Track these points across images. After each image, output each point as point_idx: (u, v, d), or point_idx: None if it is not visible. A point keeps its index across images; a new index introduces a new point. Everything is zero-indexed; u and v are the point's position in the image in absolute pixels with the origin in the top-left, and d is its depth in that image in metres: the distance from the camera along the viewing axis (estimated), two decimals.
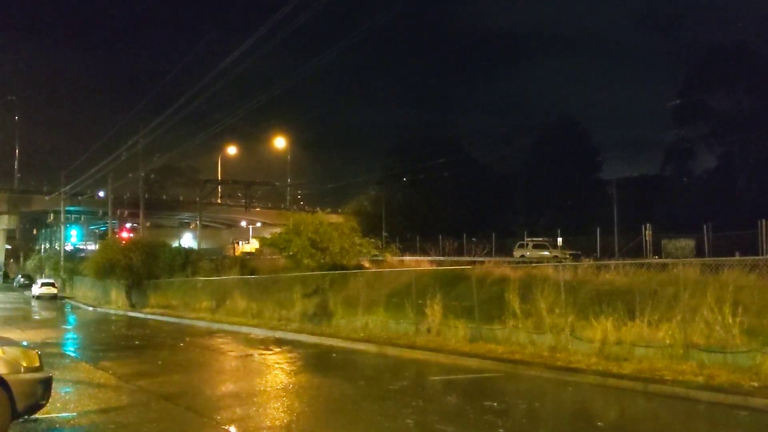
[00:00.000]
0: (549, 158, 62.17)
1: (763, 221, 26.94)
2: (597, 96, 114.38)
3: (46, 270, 66.97)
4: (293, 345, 17.90)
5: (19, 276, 76.67)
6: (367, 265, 24.96)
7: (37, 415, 7.99)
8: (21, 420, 7.68)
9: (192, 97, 35.32)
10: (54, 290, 50.34)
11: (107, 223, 67.81)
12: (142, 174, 56.93)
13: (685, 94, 55.21)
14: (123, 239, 45.31)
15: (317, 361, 15.00)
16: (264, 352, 16.50)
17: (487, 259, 24.73)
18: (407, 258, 30.67)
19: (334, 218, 36.46)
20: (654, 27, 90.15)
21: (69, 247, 74.02)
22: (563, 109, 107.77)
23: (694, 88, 54.33)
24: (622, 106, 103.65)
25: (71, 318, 33.05)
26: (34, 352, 7.89)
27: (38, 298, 48.32)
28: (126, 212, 76.41)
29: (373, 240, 25.33)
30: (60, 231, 71.56)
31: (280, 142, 61.27)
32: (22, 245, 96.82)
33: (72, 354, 17.09)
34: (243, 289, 27.19)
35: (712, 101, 55.60)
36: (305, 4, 23.72)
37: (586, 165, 65.92)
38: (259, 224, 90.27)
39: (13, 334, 17.05)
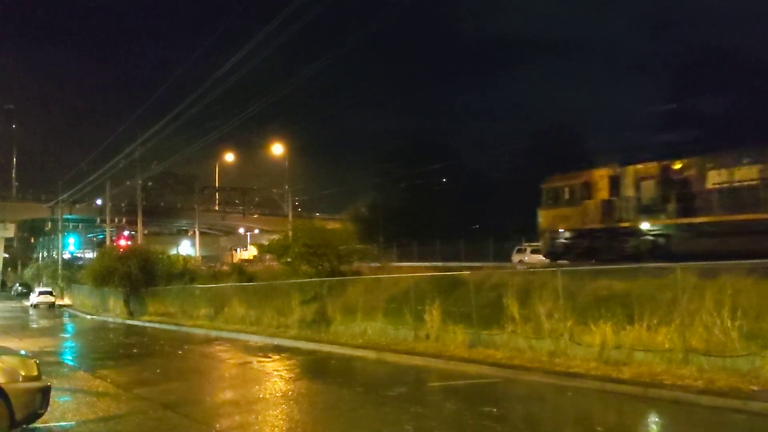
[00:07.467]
0: (544, 163, 62.24)
1: None
2: (590, 100, 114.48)
3: (44, 278, 66.83)
4: (292, 352, 17.87)
5: (17, 284, 76.51)
6: (365, 271, 24.94)
7: (35, 425, 7.99)
8: (19, 429, 7.65)
9: (189, 105, 35.33)
10: (52, 299, 50.29)
11: (105, 231, 67.70)
12: (140, 182, 56.89)
13: (677, 98, 55.45)
14: (121, 247, 45.23)
15: (316, 368, 14.98)
16: (263, 359, 16.46)
17: (484, 264, 24.71)
18: (405, 264, 30.64)
19: (332, 224, 36.49)
20: (647, 32, 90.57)
21: (67, 256, 73.85)
22: (557, 114, 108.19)
23: (686, 92, 54.54)
24: (615, 111, 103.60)
25: (69, 326, 32.97)
26: (32, 360, 7.88)
27: (36, 306, 48.25)
28: (124, 220, 76.33)
29: (370, 246, 25.30)
30: (58, 239, 71.49)
31: (277, 149, 61.22)
32: (19, 254, 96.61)
33: (70, 362, 17.06)
34: (241, 297, 27.12)
35: (704, 105, 55.80)
36: (300, 12, 23.78)
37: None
38: (257, 231, 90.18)
39: (11, 343, 17.03)
